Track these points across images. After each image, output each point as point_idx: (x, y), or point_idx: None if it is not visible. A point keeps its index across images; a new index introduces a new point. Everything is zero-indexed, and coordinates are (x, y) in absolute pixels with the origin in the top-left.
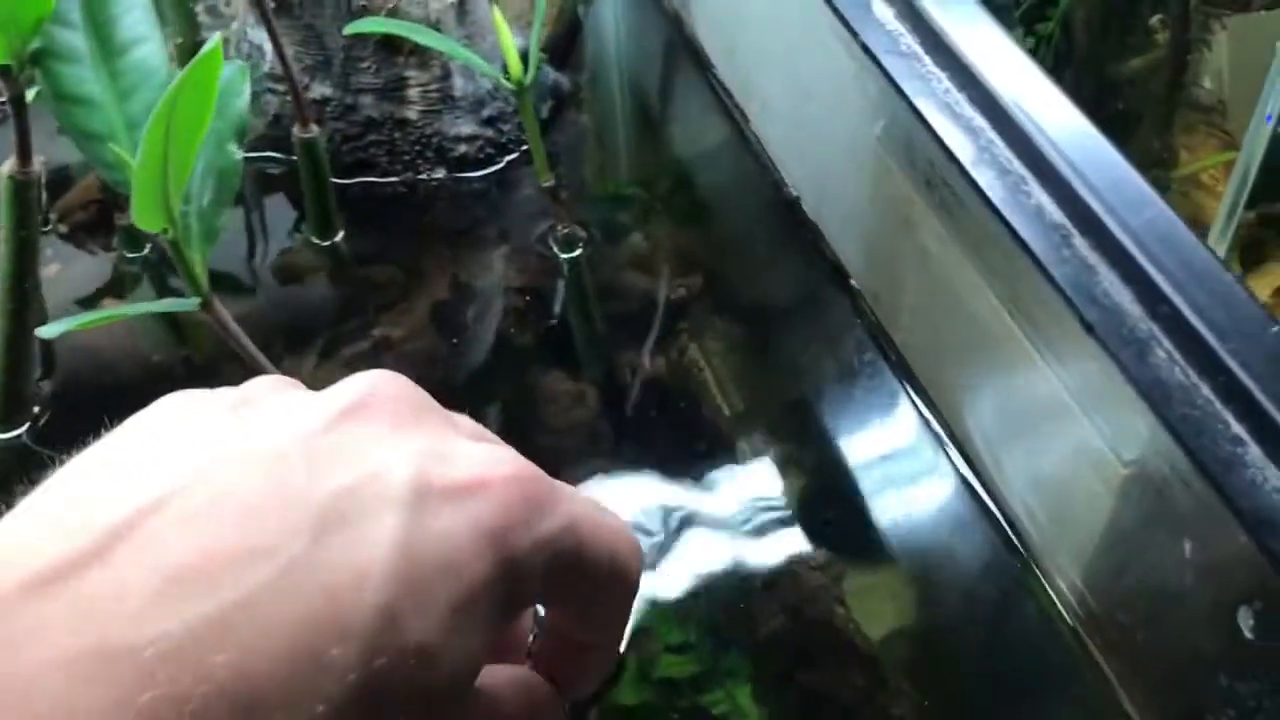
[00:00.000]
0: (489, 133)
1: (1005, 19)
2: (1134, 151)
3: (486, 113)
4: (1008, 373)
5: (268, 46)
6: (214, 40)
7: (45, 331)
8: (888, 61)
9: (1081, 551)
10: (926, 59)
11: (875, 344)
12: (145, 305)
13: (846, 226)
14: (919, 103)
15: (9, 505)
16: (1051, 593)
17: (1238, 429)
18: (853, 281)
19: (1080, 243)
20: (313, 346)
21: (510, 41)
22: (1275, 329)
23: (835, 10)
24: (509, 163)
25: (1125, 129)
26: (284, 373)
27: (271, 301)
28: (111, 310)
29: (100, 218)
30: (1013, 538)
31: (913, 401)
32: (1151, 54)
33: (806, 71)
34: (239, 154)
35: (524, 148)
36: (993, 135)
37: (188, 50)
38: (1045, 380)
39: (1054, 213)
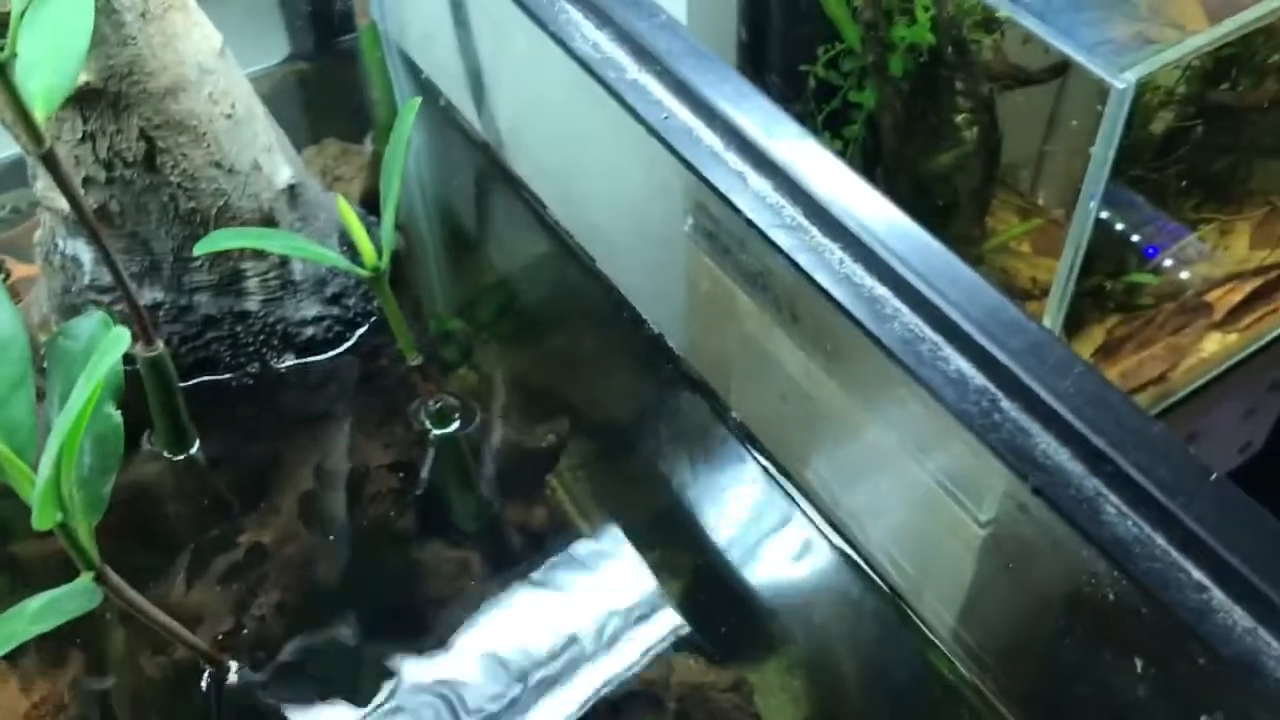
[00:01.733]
0: (335, 310)
1: (808, 125)
2: (953, 238)
3: (330, 291)
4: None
5: (83, 256)
6: (90, 385)
7: None
8: (775, 235)
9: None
10: (814, 229)
11: (758, 466)
12: (41, 606)
13: (715, 359)
14: (819, 277)
15: None
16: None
17: (1199, 576)
18: (734, 413)
19: (1008, 405)
20: (178, 566)
21: (362, 231)
22: (1214, 476)
23: (710, 186)
24: (360, 337)
25: (944, 219)
26: (154, 599)
27: (127, 525)
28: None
29: None
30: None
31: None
32: (959, 149)
33: (654, 220)
34: (118, 415)
35: (373, 319)
36: (899, 304)
37: None
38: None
39: (975, 377)
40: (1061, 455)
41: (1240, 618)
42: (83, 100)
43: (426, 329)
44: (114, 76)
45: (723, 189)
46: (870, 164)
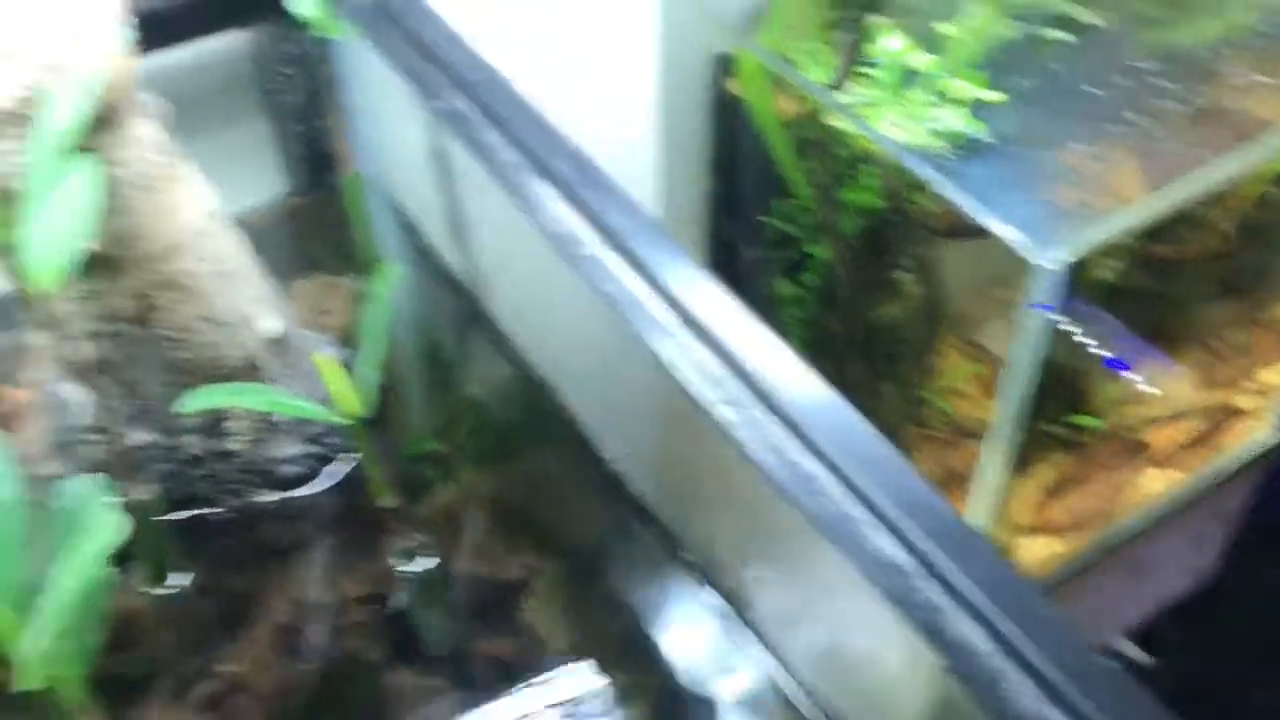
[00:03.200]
0: (314, 449)
1: (764, 270)
2: (901, 380)
3: (310, 430)
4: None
5: (72, 400)
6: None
7: None
8: (717, 410)
9: None
10: (754, 406)
11: (710, 603)
12: None
13: (671, 502)
14: (757, 453)
15: None
16: None
17: None
18: (688, 553)
19: (924, 585)
20: (155, 696)
21: (343, 385)
22: (1101, 661)
23: (657, 359)
24: (335, 473)
25: (893, 363)
26: None
27: (109, 656)
28: None
29: None
30: None
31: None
32: (904, 302)
33: (615, 370)
34: (109, 572)
35: (351, 454)
36: (828, 481)
37: None
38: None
39: (896, 556)
40: (971, 634)
41: None
42: (85, 263)
43: (401, 457)
44: (114, 242)
45: (669, 363)
46: (827, 311)
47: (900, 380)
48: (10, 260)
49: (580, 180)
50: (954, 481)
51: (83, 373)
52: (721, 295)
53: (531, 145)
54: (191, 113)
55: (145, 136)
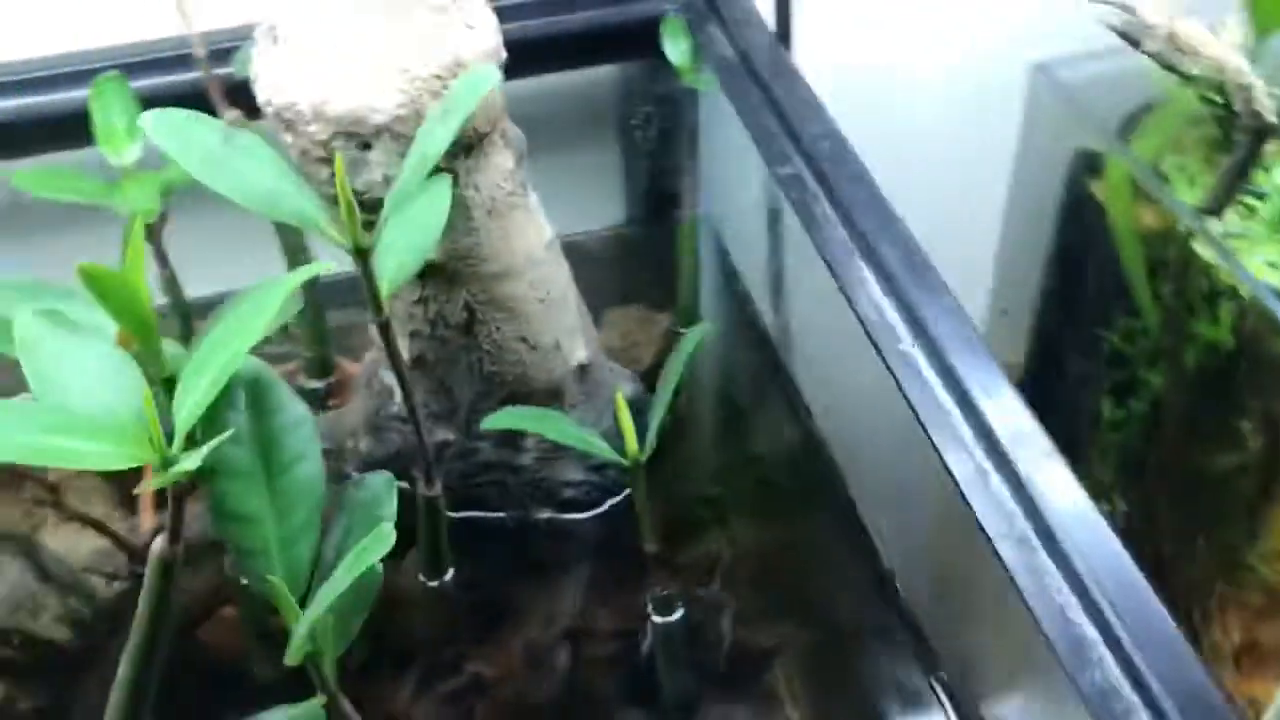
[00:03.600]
0: (596, 478)
1: (1088, 385)
2: (1217, 534)
3: (595, 460)
4: None
5: (396, 390)
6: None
7: None
8: (1000, 545)
9: None
10: (1040, 550)
11: None
12: None
13: (938, 615)
14: (1033, 604)
15: None
16: None
17: None
18: (940, 671)
19: None
20: (408, 678)
21: (630, 428)
22: None
23: (950, 475)
24: (612, 506)
25: (1216, 517)
26: (378, 702)
27: (373, 629)
28: None
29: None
30: None
31: None
32: (1241, 453)
33: (908, 470)
34: (380, 569)
35: (628, 491)
36: (1104, 651)
37: (316, 364)
38: None
39: None
40: None
41: None
42: (425, 271)
43: (673, 499)
44: (454, 257)
45: (962, 482)
46: (1149, 442)
47: (1217, 533)
48: (359, 260)
49: (907, 272)
50: (1257, 655)
51: (403, 376)
52: (1034, 427)
53: (865, 228)
54: (548, 134)
55: (501, 165)
